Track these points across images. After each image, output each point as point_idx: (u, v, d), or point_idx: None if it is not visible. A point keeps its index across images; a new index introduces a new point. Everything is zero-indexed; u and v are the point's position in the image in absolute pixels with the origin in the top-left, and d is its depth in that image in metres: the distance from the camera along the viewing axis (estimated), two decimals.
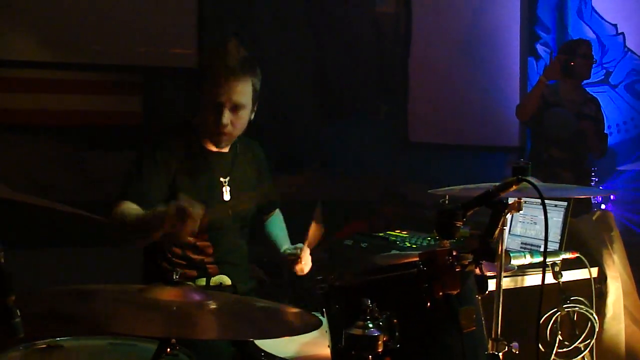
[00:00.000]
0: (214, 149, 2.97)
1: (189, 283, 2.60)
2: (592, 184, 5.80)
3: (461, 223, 2.02)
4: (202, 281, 2.93)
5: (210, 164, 2.96)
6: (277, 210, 3.38)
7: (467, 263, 2.00)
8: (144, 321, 1.80)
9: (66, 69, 5.96)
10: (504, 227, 2.49)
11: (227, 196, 2.97)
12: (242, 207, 3.01)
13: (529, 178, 2.12)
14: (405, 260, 2.17)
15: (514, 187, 2.03)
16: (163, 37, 6.15)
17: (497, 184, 2.08)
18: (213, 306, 1.94)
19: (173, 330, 1.80)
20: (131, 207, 2.75)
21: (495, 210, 1.99)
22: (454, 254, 1.99)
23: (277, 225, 3.30)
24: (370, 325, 1.86)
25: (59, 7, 5.80)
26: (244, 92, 2.83)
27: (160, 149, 2.88)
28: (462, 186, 2.64)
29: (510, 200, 2.28)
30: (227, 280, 2.98)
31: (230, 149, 3.03)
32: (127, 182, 2.84)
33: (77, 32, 5.84)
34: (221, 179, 2.97)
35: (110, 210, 2.75)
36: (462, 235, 2.18)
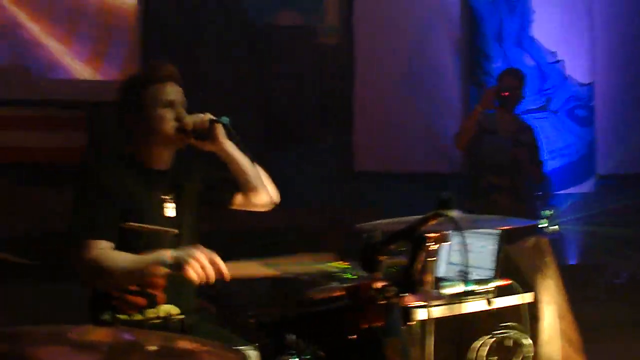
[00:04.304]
0: (154, 167, 2.99)
1: (125, 318, 2.60)
2: (537, 208, 5.95)
3: (384, 257, 2.07)
4: (151, 312, 2.89)
5: (152, 183, 2.96)
6: None
7: (390, 295, 2.06)
8: None
9: (9, 105, 5.93)
10: (434, 258, 2.53)
11: (171, 212, 2.99)
12: (187, 224, 3.02)
13: (452, 212, 2.17)
14: (333, 294, 2.22)
15: (433, 222, 2.09)
16: (107, 69, 6.16)
17: (418, 217, 2.14)
18: (147, 347, 1.94)
19: None
20: (118, 255, 2.74)
21: (415, 244, 2.05)
22: (378, 286, 2.05)
23: None
24: None
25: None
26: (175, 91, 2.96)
27: (103, 173, 2.88)
28: (390, 220, 2.69)
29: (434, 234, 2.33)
30: (175, 310, 2.96)
31: (170, 167, 3.05)
32: (77, 216, 2.81)
33: (19, 68, 5.82)
34: (163, 196, 2.99)
35: (79, 252, 2.70)
36: (395, 266, 2.23)
